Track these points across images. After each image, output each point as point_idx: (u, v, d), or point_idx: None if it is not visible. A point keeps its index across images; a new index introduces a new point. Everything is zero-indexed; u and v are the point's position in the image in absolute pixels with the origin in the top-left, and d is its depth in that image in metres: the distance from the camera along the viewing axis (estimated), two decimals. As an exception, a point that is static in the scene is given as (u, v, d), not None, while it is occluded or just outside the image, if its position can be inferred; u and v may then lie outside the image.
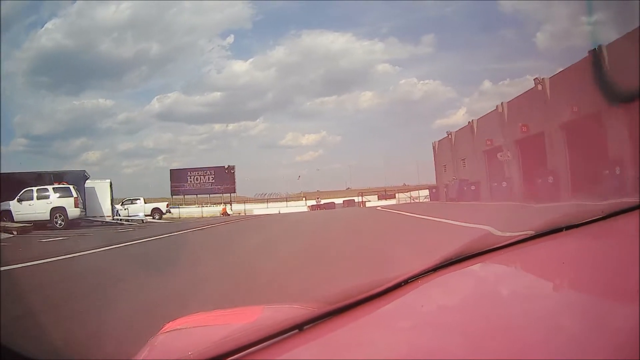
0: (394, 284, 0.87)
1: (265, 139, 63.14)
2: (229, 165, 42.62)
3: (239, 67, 56.59)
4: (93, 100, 56.20)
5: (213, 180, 42.19)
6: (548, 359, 0.54)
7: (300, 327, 0.72)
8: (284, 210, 36.38)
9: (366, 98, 58.88)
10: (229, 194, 41.68)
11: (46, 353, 2.14)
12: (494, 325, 0.68)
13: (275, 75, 58.48)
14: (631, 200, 1.09)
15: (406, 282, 0.90)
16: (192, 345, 0.85)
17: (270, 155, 66.32)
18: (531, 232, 1.08)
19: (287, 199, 42.20)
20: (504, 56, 61.94)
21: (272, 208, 39.24)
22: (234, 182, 42.32)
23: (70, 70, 52.88)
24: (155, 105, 55.98)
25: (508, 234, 1.16)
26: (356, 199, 40.31)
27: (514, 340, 0.61)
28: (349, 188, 48.84)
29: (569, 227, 1.08)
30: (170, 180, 42.56)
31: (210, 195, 41.86)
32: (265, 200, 44.13)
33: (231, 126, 61.46)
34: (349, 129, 63.67)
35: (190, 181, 42.43)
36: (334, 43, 55.93)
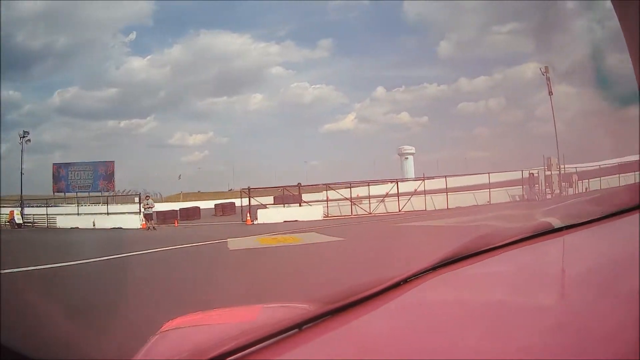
0: (392, 283, 0.88)
1: (154, 137, 61.31)
2: (107, 162, 39.20)
3: (137, 63, 55.17)
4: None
5: (92, 178, 38.58)
6: (548, 359, 0.54)
7: (300, 326, 0.72)
8: (101, 222, 23.63)
9: (256, 100, 57.40)
10: (108, 193, 37.25)
11: (46, 353, 2.14)
12: (493, 324, 0.68)
13: (170, 73, 57.59)
14: (631, 200, 1.09)
15: (405, 281, 0.90)
16: (191, 344, 0.86)
17: (158, 154, 64.45)
18: (530, 232, 1.08)
19: (107, 201, 31.16)
20: (403, 63, 62.33)
21: (85, 215, 26.67)
22: (113, 180, 38.86)
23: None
24: (56, 99, 54.29)
25: (507, 234, 1.16)
26: (237, 201, 25.96)
27: (514, 340, 0.61)
28: (231, 189, 42.51)
29: (568, 227, 1.08)
30: (52, 177, 38.11)
31: (90, 193, 37.79)
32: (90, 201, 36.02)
33: (123, 123, 59.68)
34: (236, 131, 62.63)
35: (71, 178, 38.40)
36: (231, 44, 54.65)
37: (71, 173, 38.92)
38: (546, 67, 28.42)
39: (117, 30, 62.85)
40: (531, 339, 0.60)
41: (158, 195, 40.01)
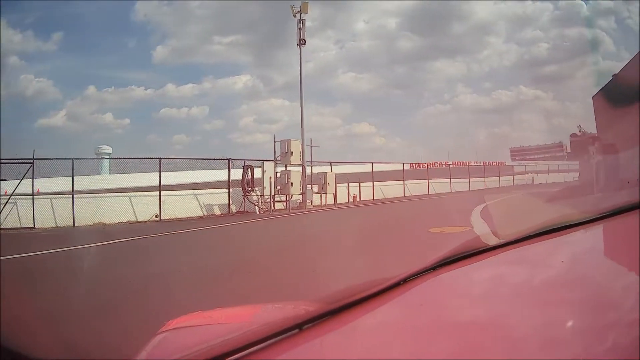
0: (392, 282, 0.88)
1: None
2: None
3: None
4: None
5: None
6: (548, 359, 0.55)
7: (300, 326, 0.72)
8: None
9: None
10: None
11: (46, 353, 2.14)
12: (492, 324, 0.68)
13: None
14: (631, 200, 1.09)
15: (405, 281, 0.90)
16: (192, 344, 0.85)
17: None
18: (530, 231, 1.08)
19: None
20: (119, 64, 61.26)
21: None
22: None
23: None
24: None
25: (507, 233, 1.16)
26: None
27: (513, 340, 0.61)
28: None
29: (568, 227, 1.08)
30: None
31: None
32: None
33: None
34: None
35: None
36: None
37: None
38: (303, 4, 19.47)
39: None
40: (531, 339, 0.60)
41: None
